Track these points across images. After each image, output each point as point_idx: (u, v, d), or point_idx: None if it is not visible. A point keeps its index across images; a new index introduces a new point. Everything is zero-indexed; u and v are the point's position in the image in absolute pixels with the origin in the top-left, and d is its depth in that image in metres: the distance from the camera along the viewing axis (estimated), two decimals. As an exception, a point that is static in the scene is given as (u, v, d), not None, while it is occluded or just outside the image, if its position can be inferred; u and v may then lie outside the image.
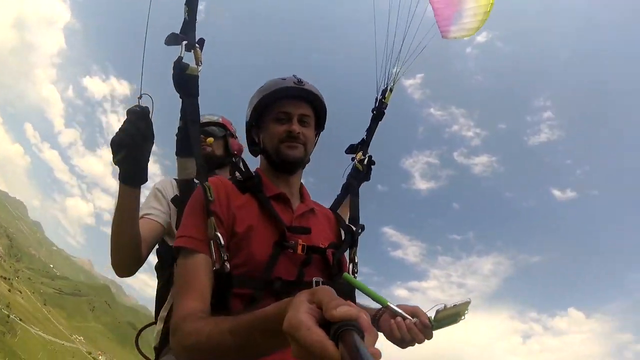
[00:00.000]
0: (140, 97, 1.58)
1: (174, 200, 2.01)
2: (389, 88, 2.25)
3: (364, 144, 2.21)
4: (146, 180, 1.67)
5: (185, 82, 1.57)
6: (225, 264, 1.32)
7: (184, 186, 1.80)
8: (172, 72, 1.57)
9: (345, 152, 2.21)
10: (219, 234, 1.34)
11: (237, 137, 2.44)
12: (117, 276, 1.86)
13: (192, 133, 1.57)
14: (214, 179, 1.48)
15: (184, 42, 1.58)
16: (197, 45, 1.61)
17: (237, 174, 1.61)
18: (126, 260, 1.80)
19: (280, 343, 0.84)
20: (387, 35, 2.32)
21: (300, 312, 0.71)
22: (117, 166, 1.60)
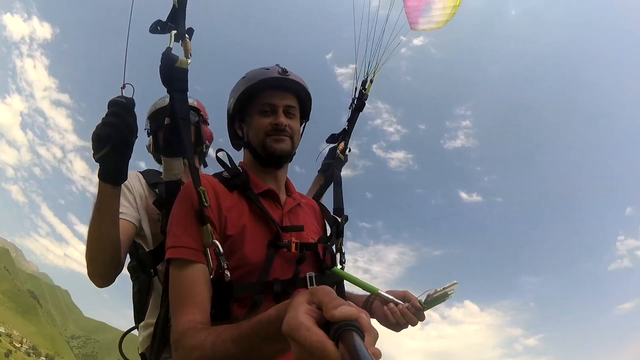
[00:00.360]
0: (123, 87, 1.46)
1: (157, 202, 1.84)
2: (369, 79, 2.28)
3: (345, 134, 2.23)
4: (126, 179, 1.56)
5: (175, 75, 1.44)
6: (226, 272, 1.28)
7: (171, 188, 1.62)
8: (160, 63, 1.44)
9: (326, 141, 2.23)
10: (217, 242, 1.29)
11: (208, 124, 2.31)
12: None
13: (184, 131, 1.46)
14: (202, 180, 1.39)
15: (174, 32, 1.45)
16: (186, 35, 1.48)
17: (225, 172, 1.53)
18: (107, 268, 1.65)
19: (285, 346, 0.84)
20: (364, 28, 2.33)
21: (299, 313, 0.71)
22: (97, 162, 1.47)
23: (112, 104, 1.42)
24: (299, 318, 0.70)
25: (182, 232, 1.31)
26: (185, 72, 1.46)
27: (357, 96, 2.28)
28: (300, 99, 1.60)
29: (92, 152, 1.45)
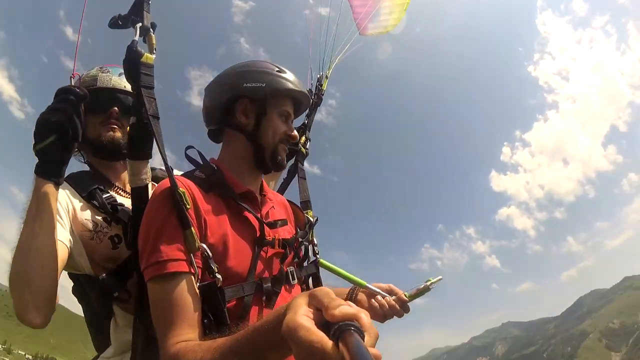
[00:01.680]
0: (72, 77, 1.44)
1: (121, 218, 1.60)
2: (324, 76, 2.38)
3: (305, 128, 2.27)
4: (62, 182, 1.41)
5: (141, 71, 1.36)
6: (217, 275, 1.20)
7: (140, 194, 1.42)
8: (124, 57, 1.36)
9: None
10: (203, 245, 1.23)
11: None
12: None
13: (156, 131, 1.34)
14: (177, 182, 1.27)
15: (139, 25, 1.40)
16: (150, 29, 1.42)
17: (197, 171, 1.43)
18: (43, 295, 1.31)
19: (286, 352, 0.83)
20: (318, 27, 2.45)
21: (298, 314, 0.72)
22: (38, 155, 1.34)
23: (66, 91, 1.35)
24: (297, 319, 0.71)
25: (161, 243, 1.20)
26: (151, 68, 1.39)
27: (315, 92, 2.36)
28: None
29: (33, 141, 1.32)
